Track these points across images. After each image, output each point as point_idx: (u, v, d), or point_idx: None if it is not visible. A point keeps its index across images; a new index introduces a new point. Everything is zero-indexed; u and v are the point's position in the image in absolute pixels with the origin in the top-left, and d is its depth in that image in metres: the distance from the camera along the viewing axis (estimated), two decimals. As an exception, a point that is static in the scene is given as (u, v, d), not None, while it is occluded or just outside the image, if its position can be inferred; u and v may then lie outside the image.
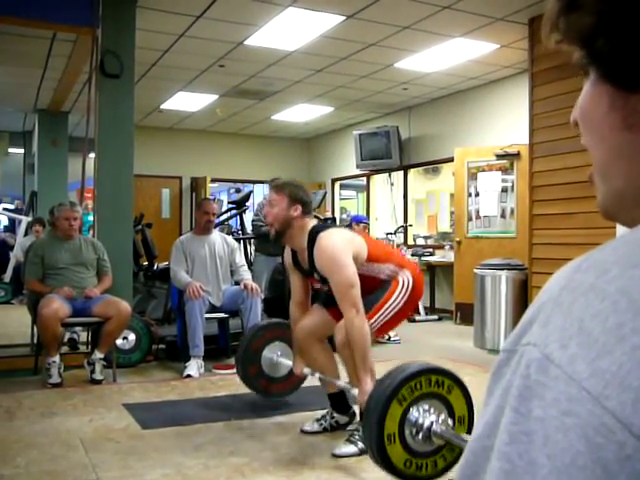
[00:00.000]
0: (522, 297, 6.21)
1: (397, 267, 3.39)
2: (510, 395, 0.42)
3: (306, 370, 3.67)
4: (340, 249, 3.16)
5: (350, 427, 3.59)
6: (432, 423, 2.68)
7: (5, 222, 12.81)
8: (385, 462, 2.63)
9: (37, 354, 4.90)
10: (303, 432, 3.59)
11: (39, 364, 4.84)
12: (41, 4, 5.31)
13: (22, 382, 4.68)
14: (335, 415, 3.63)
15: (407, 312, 3.45)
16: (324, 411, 3.67)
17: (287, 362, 3.92)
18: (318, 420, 3.64)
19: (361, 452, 3.15)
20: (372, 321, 3.20)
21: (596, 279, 0.42)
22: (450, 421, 2.74)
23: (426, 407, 2.72)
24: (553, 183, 5.86)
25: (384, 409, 2.64)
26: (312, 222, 3.35)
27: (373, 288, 3.32)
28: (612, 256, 0.43)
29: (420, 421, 2.68)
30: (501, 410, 0.43)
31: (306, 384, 4.70)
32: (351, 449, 3.19)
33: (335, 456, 3.15)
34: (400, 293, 3.31)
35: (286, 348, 3.97)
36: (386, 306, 3.27)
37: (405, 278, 3.35)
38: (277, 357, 3.99)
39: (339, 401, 3.63)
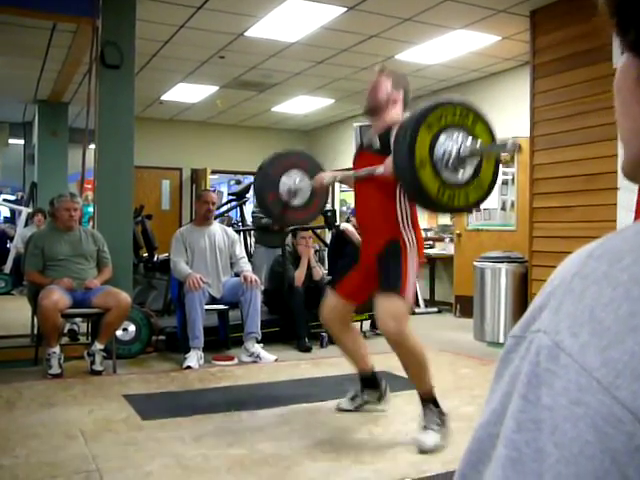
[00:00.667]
0: (522, 290, 6.21)
1: (413, 217, 3.35)
2: (518, 382, 0.42)
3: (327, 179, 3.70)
4: None
5: (380, 407, 3.71)
6: (461, 146, 2.76)
7: (6, 213, 12.81)
8: (418, 189, 2.70)
9: (37, 345, 4.91)
10: (339, 410, 3.70)
11: (39, 355, 4.85)
12: (41, -6, 5.30)
13: (22, 373, 4.69)
14: (366, 393, 3.71)
15: (417, 274, 3.44)
16: (355, 390, 3.75)
17: (305, 190, 3.84)
18: (352, 399, 3.72)
19: (442, 434, 3.18)
20: (406, 296, 3.23)
21: (609, 267, 0.42)
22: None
23: (454, 136, 2.79)
24: (554, 176, 5.85)
25: (413, 134, 2.71)
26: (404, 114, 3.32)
27: (385, 231, 3.29)
28: (626, 244, 0.43)
29: (449, 146, 2.76)
30: (508, 397, 0.42)
31: (305, 376, 4.71)
32: (432, 436, 3.18)
33: (424, 452, 3.13)
34: (411, 255, 3.28)
35: (304, 176, 3.86)
36: (409, 275, 3.25)
37: (410, 235, 3.30)
38: (295, 184, 3.86)
39: (370, 381, 3.70)
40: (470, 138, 2.81)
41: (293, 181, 3.85)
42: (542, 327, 0.43)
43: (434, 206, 2.72)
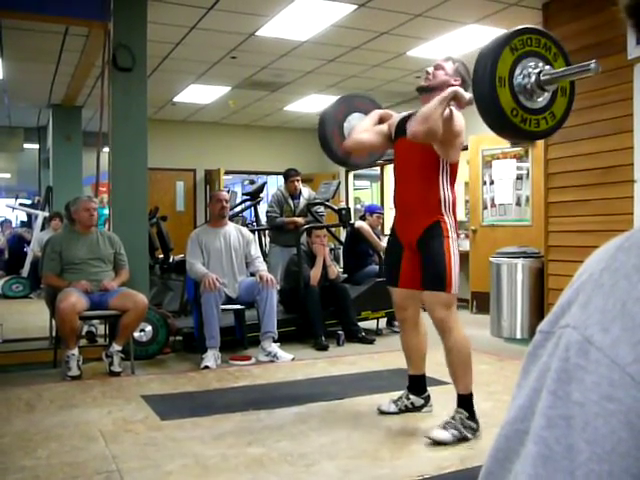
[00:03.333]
0: (539, 285, 6.18)
1: (454, 201, 3.36)
2: (548, 378, 0.41)
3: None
4: (464, 132, 3.31)
5: (426, 409, 3.68)
6: (540, 72, 2.81)
7: (23, 217, 12.91)
8: (494, 104, 2.73)
9: (56, 347, 4.94)
10: (380, 412, 3.66)
11: (58, 357, 4.88)
12: (53, -1, 5.34)
13: (42, 375, 4.73)
14: (411, 397, 3.68)
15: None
16: (401, 392, 3.73)
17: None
18: (395, 401, 3.69)
19: (454, 439, 3.14)
20: (453, 290, 3.28)
21: (639, 259, 0.41)
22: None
23: (534, 63, 2.85)
24: (568, 170, 5.81)
25: (497, 52, 2.78)
26: None
27: (427, 214, 3.28)
28: None
29: (529, 70, 2.80)
30: (537, 393, 0.42)
31: (322, 375, 4.71)
32: (445, 435, 3.16)
33: (430, 439, 3.14)
34: (453, 244, 3.29)
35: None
36: (453, 268, 3.27)
37: (451, 220, 3.32)
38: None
39: (417, 383, 3.69)
40: (549, 67, 2.87)
41: (355, 124, 3.79)
42: (571, 322, 0.42)
43: (505, 124, 2.75)
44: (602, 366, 0.38)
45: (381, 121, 3.60)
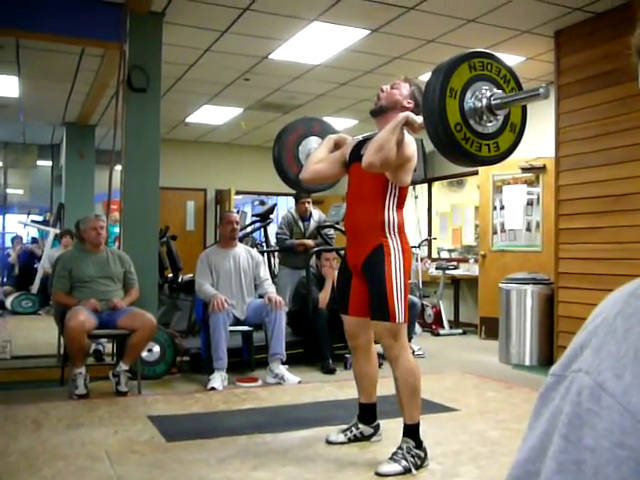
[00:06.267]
0: (548, 312, 6.14)
1: (399, 224, 3.31)
2: (559, 422, 0.41)
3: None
4: (415, 156, 3.28)
5: (375, 438, 3.61)
6: (492, 95, 2.78)
7: (34, 234, 12.99)
8: (440, 112, 2.70)
9: (64, 365, 4.94)
10: (328, 442, 3.59)
11: (65, 375, 4.88)
12: (70, 21, 5.41)
13: (49, 393, 4.73)
14: (360, 426, 3.62)
15: (408, 280, 3.34)
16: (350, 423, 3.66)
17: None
18: (344, 431, 3.63)
19: (405, 470, 3.12)
20: (397, 319, 3.19)
21: None
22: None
23: (489, 87, 2.82)
24: (579, 197, 5.80)
25: (455, 64, 2.78)
26: None
27: (371, 237, 3.26)
28: None
29: (482, 92, 2.78)
30: (548, 436, 0.42)
31: (329, 398, 4.69)
32: (395, 467, 3.14)
33: (379, 475, 3.11)
34: (396, 268, 3.22)
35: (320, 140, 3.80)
36: (395, 296, 3.19)
37: (395, 242, 3.26)
38: (313, 149, 3.80)
39: (368, 412, 3.63)
40: (501, 92, 2.85)
41: (310, 148, 3.83)
42: (584, 367, 0.42)
43: (447, 137, 2.70)
44: (614, 412, 0.38)
45: (336, 146, 3.58)
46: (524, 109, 3.03)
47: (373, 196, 3.29)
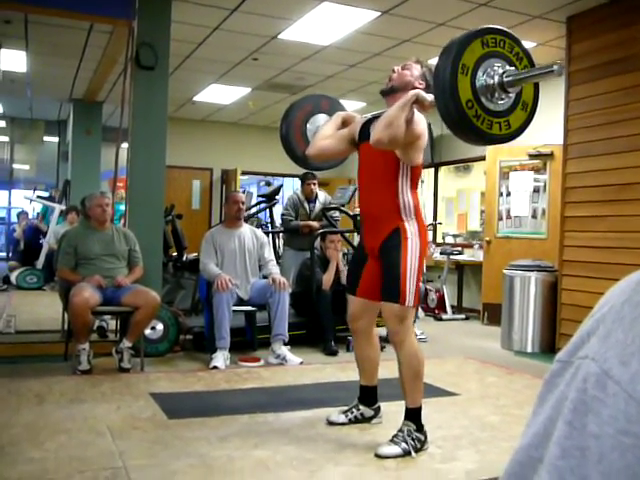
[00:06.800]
0: (551, 299, 6.15)
1: (415, 205, 3.29)
2: (564, 408, 0.41)
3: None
4: (426, 134, 3.28)
5: (375, 420, 3.63)
6: (504, 72, 2.76)
7: (39, 209, 13.01)
8: (452, 88, 2.67)
9: (67, 341, 4.97)
10: (329, 423, 3.62)
11: (69, 351, 4.92)
12: (79, -4, 5.38)
13: (52, 368, 4.76)
14: (361, 407, 3.64)
15: (422, 265, 3.34)
16: (351, 404, 3.69)
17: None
18: (344, 412, 3.65)
19: (405, 453, 3.14)
20: (407, 302, 3.18)
21: None
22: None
23: (501, 64, 2.79)
24: (586, 185, 5.78)
25: (468, 40, 2.75)
26: None
27: (387, 221, 3.24)
28: None
29: (494, 69, 2.76)
30: (552, 422, 0.42)
31: (330, 380, 4.71)
32: (395, 450, 3.16)
33: (378, 456, 3.13)
34: (412, 252, 3.20)
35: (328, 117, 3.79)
36: (408, 279, 3.18)
37: (412, 226, 3.24)
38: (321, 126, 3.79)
39: (368, 394, 3.64)
40: (514, 68, 2.82)
41: (318, 125, 3.81)
42: (590, 354, 0.42)
43: (457, 113, 2.67)
44: (619, 400, 0.39)
45: (344, 124, 3.54)
46: (536, 87, 3.00)
47: (386, 177, 3.25)
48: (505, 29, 2.92)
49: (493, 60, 2.77)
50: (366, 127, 3.35)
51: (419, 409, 3.27)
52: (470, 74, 2.71)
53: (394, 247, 3.23)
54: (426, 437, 3.25)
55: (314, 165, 4.07)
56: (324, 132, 3.50)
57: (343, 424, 3.60)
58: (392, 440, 3.20)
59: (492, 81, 2.74)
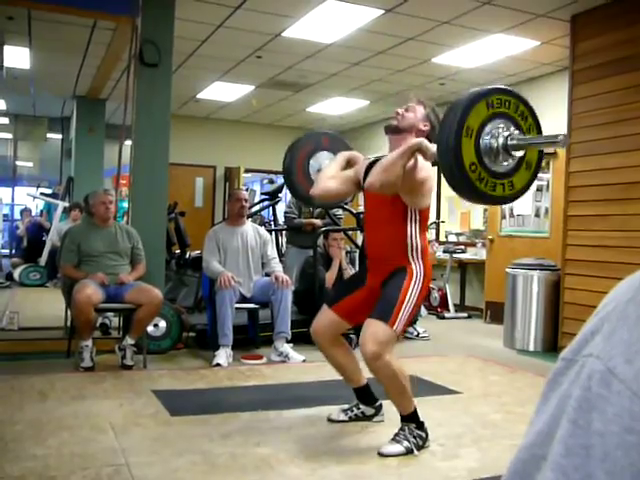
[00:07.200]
0: (554, 298, 6.14)
1: (423, 248, 3.29)
2: (568, 406, 0.41)
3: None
4: (432, 179, 3.25)
5: (377, 418, 3.64)
6: (509, 135, 2.75)
7: (43, 206, 13.03)
8: (455, 152, 2.67)
9: (70, 337, 4.98)
10: (330, 420, 3.62)
11: (72, 348, 4.92)
12: (83, -8, 5.39)
13: (55, 364, 4.77)
14: (361, 406, 3.65)
15: (420, 304, 3.35)
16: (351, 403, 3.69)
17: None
18: (344, 410, 3.65)
19: (407, 451, 3.14)
20: (395, 327, 3.12)
21: None
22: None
23: (505, 125, 2.79)
24: (590, 184, 5.77)
25: (473, 101, 2.74)
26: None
27: (394, 260, 3.23)
28: None
29: (499, 131, 2.75)
30: (556, 420, 0.42)
31: (333, 377, 4.71)
32: (397, 448, 3.16)
33: (381, 455, 3.12)
34: (414, 287, 3.19)
35: (331, 156, 3.79)
36: (404, 307, 3.15)
37: (418, 267, 3.24)
38: (324, 164, 3.79)
39: (365, 394, 3.64)
40: (519, 132, 2.81)
41: (321, 163, 3.82)
42: (594, 352, 0.42)
43: (461, 176, 2.68)
44: (624, 398, 0.38)
45: (348, 164, 3.52)
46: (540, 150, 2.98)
47: (393, 221, 3.24)
48: (510, 89, 2.93)
49: (498, 121, 2.76)
50: (370, 169, 3.31)
51: (414, 412, 3.25)
52: (474, 137, 2.70)
53: (397, 278, 3.21)
54: (427, 434, 3.25)
55: (318, 204, 4.06)
56: (328, 172, 3.46)
57: (343, 422, 3.60)
58: (394, 439, 3.20)
59: (496, 143, 2.73)
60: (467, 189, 2.76)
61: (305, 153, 3.88)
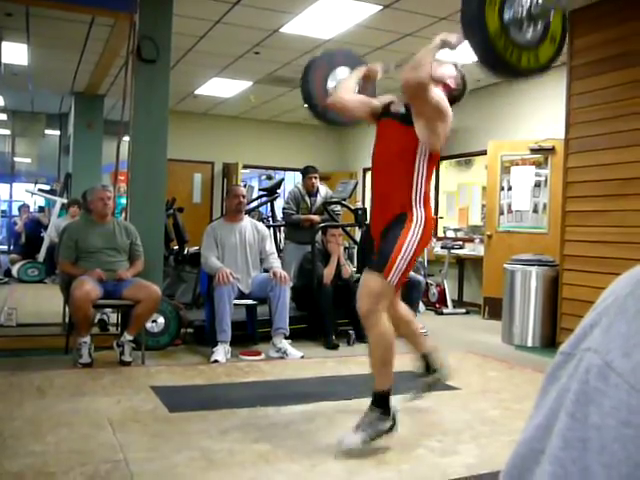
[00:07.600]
0: (552, 294, 6.15)
1: (426, 194, 3.27)
2: (566, 399, 0.42)
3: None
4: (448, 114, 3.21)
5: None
6: (531, 5, 2.76)
7: (40, 202, 13.01)
8: (480, 24, 2.68)
9: (68, 334, 4.98)
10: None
11: (70, 344, 4.92)
12: (81, -12, 5.38)
13: (53, 361, 4.77)
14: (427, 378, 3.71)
15: (418, 255, 3.29)
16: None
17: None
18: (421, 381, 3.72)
19: (363, 442, 3.08)
20: (390, 278, 3.11)
21: None
22: None
23: None
24: (588, 179, 5.78)
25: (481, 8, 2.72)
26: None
27: (397, 204, 3.22)
28: None
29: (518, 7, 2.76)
30: (555, 414, 0.42)
31: (331, 374, 4.72)
32: (354, 439, 3.09)
33: (341, 448, 3.08)
34: (413, 235, 3.16)
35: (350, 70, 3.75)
36: (400, 257, 3.12)
37: (419, 213, 3.21)
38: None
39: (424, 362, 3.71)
40: None
41: (339, 78, 3.77)
42: (593, 346, 0.42)
43: (485, 43, 2.70)
44: (621, 391, 0.39)
45: (366, 77, 3.54)
46: (564, 19, 2.98)
47: (403, 157, 3.22)
48: None
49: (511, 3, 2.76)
50: (389, 105, 3.34)
51: (387, 393, 3.18)
52: (498, 4, 2.71)
53: (396, 227, 3.19)
54: (395, 420, 3.18)
55: (329, 116, 3.97)
56: (347, 85, 3.47)
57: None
58: (356, 427, 3.13)
59: (521, 10, 2.74)
60: (492, 59, 2.76)
61: (321, 73, 3.80)
